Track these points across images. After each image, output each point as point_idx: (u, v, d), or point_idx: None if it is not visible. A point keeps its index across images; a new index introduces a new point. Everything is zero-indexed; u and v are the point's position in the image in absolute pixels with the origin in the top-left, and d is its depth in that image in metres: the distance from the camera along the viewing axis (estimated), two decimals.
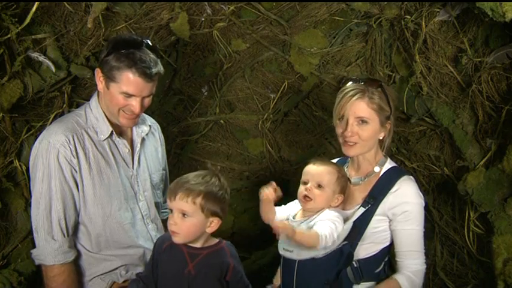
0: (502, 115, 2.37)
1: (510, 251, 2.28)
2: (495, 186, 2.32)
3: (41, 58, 2.20)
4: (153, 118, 2.32)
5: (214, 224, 1.68)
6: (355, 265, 1.85)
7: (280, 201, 2.15)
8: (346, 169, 2.03)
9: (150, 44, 1.95)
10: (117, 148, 2.04)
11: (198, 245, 1.72)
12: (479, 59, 2.41)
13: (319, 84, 3.25)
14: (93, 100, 2.03)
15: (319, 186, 1.84)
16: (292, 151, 3.53)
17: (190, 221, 1.65)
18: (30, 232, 2.28)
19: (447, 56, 2.58)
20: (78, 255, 1.99)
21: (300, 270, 1.81)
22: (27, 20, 2.08)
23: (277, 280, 1.98)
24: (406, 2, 2.61)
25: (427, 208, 2.83)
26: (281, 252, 1.88)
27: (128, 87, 1.87)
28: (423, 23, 2.52)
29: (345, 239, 1.84)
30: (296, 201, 2.02)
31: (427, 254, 2.68)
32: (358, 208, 1.89)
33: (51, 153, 1.88)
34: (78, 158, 1.92)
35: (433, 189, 2.90)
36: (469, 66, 2.49)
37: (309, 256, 1.79)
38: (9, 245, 2.28)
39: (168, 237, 1.73)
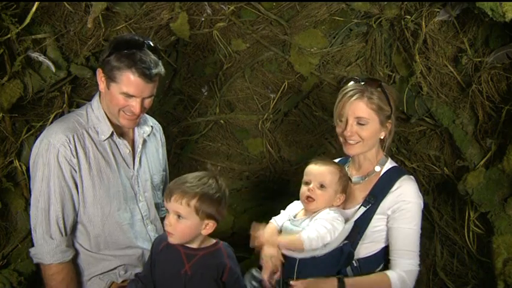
0: (502, 115, 2.37)
1: (510, 251, 2.28)
2: (495, 186, 2.32)
3: (41, 58, 2.20)
4: (153, 118, 2.32)
5: (209, 226, 1.68)
6: (355, 264, 1.86)
7: (279, 203, 2.16)
8: (347, 168, 2.04)
9: (152, 44, 1.95)
10: (118, 148, 2.04)
11: (194, 245, 1.72)
12: (479, 59, 2.41)
13: (319, 84, 3.25)
14: (95, 100, 2.03)
15: (322, 186, 1.86)
16: (292, 151, 3.53)
17: (185, 223, 1.65)
18: (30, 232, 2.27)
19: (447, 56, 2.58)
20: (77, 254, 1.99)
21: (300, 268, 1.81)
22: (27, 20, 2.08)
23: (265, 272, 1.95)
24: (406, 2, 2.61)
25: (427, 208, 2.85)
26: (282, 250, 1.88)
27: (128, 87, 1.87)
28: (423, 23, 2.52)
29: (346, 238, 1.84)
30: (295, 203, 2.03)
31: (427, 254, 2.69)
32: (359, 207, 1.89)
33: (51, 152, 1.88)
34: (78, 158, 1.92)
35: (433, 189, 2.90)
36: (469, 66, 2.49)
37: (309, 255, 1.79)
38: (9, 245, 2.28)
39: (165, 237, 1.73)
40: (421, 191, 1.94)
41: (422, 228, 1.91)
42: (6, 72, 2.10)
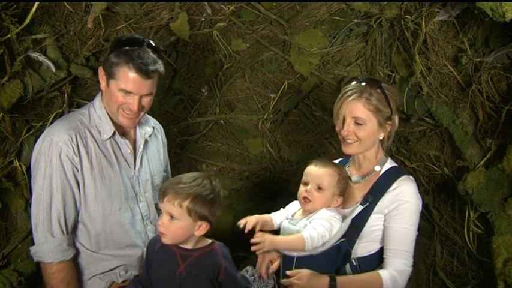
0: (502, 115, 2.37)
1: (510, 251, 2.28)
2: (495, 186, 2.32)
3: (41, 58, 2.20)
4: (148, 116, 2.32)
5: (202, 227, 1.68)
6: (354, 263, 1.86)
7: (279, 203, 2.16)
8: (347, 168, 2.05)
9: (153, 43, 1.96)
10: (119, 148, 2.04)
11: (189, 246, 1.72)
12: (479, 59, 2.41)
13: (319, 84, 3.25)
14: (97, 100, 2.03)
15: (319, 188, 1.87)
16: (292, 151, 3.53)
17: (177, 223, 1.65)
18: (30, 232, 2.27)
19: (447, 56, 2.58)
20: (77, 253, 1.99)
21: (298, 266, 1.83)
22: (27, 20, 2.08)
23: (262, 264, 1.96)
24: (406, 2, 2.61)
25: (427, 208, 2.85)
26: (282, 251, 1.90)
27: (126, 84, 1.87)
28: (423, 23, 2.52)
29: (343, 237, 1.85)
30: (294, 202, 2.04)
31: (427, 254, 2.69)
32: (357, 206, 1.90)
33: (53, 151, 1.88)
34: (80, 156, 1.92)
35: (433, 189, 2.90)
36: (469, 66, 2.49)
37: (306, 253, 1.81)
38: (9, 245, 2.28)
39: (160, 238, 1.73)
40: (420, 191, 1.94)
41: (423, 228, 1.91)
42: (6, 72, 2.10)
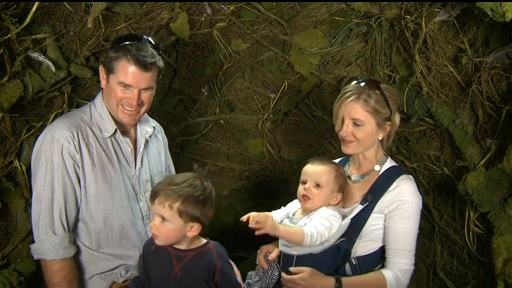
0: (502, 115, 2.37)
1: (510, 251, 2.28)
2: (495, 186, 2.32)
3: (41, 58, 2.20)
4: (153, 118, 2.33)
5: (194, 229, 1.68)
6: (354, 262, 1.87)
7: (279, 203, 2.16)
8: (347, 167, 2.06)
9: (152, 41, 1.98)
10: (120, 147, 2.04)
11: (184, 246, 1.72)
12: (479, 59, 2.41)
13: (319, 84, 3.25)
14: (98, 98, 2.04)
15: (317, 185, 1.88)
16: (292, 151, 3.53)
17: (168, 225, 1.65)
18: (30, 232, 2.27)
19: (447, 56, 2.58)
20: (78, 252, 1.98)
21: (298, 265, 1.83)
22: (27, 20, 2.08)
23: (261, 253, 1.99)
24: (406, 2, 2.61)
25: (427, 208, 2.85)
26: (280, 247, 1.91)
27: (124, 76, 1.89)
28: (423, 23, 2.52)
29: (343, 236, 1.86)
30: (295, 201, 2.04)
31: (427, 254, 2.69)
32: (357, 205, 1.90)
33: (54, 147, 1.88)
34: (81, 153, 1.92)
35: (433, 189, 2.90)
36: (469, 66, 2.49)
37: (306, 251, 1.82)
38: (9, 245, 2.28)
39: None
40: (420, 191, 1.95)
41: (423, 228, 1.92)
42: (6, 72, 2.10)
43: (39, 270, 2.01)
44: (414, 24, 2.58)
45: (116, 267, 2.01)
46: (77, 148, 1.91)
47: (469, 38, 2.47)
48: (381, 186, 1.90)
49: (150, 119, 2.25)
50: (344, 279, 1.80)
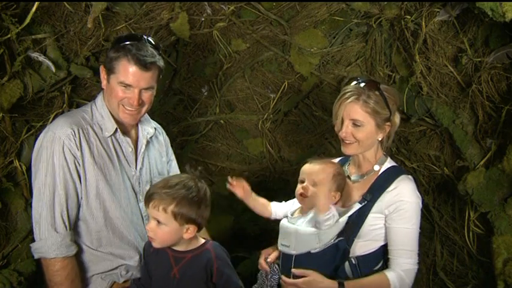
0: (502, 115, 2.37)
1: (510, 251, 2.28)
2: (495, 186, 2.32)
3: (41, 58, 2.20)
4: (153, 118, 2.33)
5: (190, 230, 1.68)
6: (353, 262, 1.87)
7: (280, 200, 2.17)
8: (347, 167, 2.06)
9: (152, 41, 1.98)
10: (121, 146, 2.04)
11: (181, 248, 1.72)
12: (479, 59, 2.41)
13: (319, 84, 3.25)
14: (99, 98, 2.04)
15: (315, 184, 1.88)
16: (292, 151, 3.53)
17: (164, 228, 1.66)
18: (30, 232, 2.27)
19: (447, 56, 2.59)
20: (79, 252, 1.97)
21: (296, 264, 1.83)
22: (27, 20, 2.08)
23: (261, 257, 2.01)
24: (406, 2, 2.61)
25: (427, 208, 2.85)
26: (279, 247, 1.92)
27: (125, 76, 1.89)
28: (423, 23, 2.52)
29: (341, 235, 1.86)
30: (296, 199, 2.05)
31: (427, 254, 2.69)
32: (356, 205, 1.91)
33: (56, 144, 1.87)
34: (82, 151, 1.91)
35: (433, 189, 2.90)
36: (469, 66, 2.49)
37: (305, 250, 1.82)
38: (9, 245, 2.28)
39: None
40: (420, 191, 1.95)
41: (423, 228, 1.92)
42: (6, 72, 2.10)
43: (39, 270, 2.00)
44: (414, 24, 2.58)
45: (116, 267, 2.00)
46: (78, 146, 1.90)
47: (469, 38, 2.47)
48: (380, 186, 1.90)
49: (152, 121, 2.25)
50: (347, 283, 1.80)
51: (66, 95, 2.36)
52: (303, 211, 1.93)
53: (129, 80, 1.89)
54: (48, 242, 1.86)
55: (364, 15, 2.91)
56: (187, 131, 3.45)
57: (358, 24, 2.98)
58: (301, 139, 3.49)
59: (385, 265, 1.92)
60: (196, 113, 3.42)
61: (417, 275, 1.89)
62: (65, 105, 2.37)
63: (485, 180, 2.35)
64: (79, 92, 2.50)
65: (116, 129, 2.01)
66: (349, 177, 2.01)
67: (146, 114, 2.11)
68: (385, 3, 2.72)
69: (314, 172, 1.89)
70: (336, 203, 1.92)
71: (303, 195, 1.89)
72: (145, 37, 1.97)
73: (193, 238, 1.73)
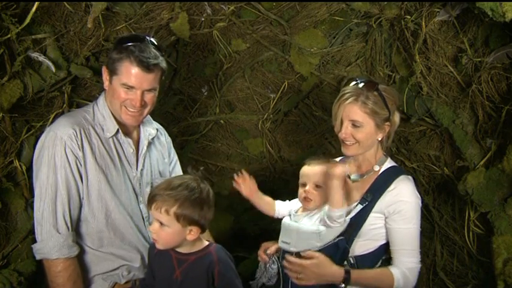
0: (502, 115, 2.37)
1: (510, 251, 2.28)
2: (495, 186, 2.32)
3: (41, 58, 2.20)
4: (153, 118, 2.32)
5: (193, 232, 1.67)
6: (352, 261, 1.88)
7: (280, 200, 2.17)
8: (347, 167, 2.06)
9: (155, 42, 1.97)
10: (122, 147, 2.03)
11: (185, 250, 1.72)
12: (479, 59, 2.41)
13: (319, 84, 3.25)
14: (101, 98, 2.03)
15: (317, 186, 1.89)
16: (292, 151, 3.53)
17: (167, 230, 1.65)
18: (30, 232, 2.27)
19: (447, 56, 2.59)
20: (81, 252, 1.95)
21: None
22: (27, 20, 2.08)
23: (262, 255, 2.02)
24: (406, 2, 2.61)
25: (427, 208, 2.85)
26: (280, 244, 1.93)
27: (127, 78, 1.88)
28: (423, 23, 2.52)
29: (342, 235, 1.86)
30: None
31: (427, 254, 2.69)
32: (356, 205, 1.91)
33: (57, 144, 1.87)
34: (83, 151, 1.91)
35: (433, 189, 2.90)
36: (469, 66, 2.49)
37: (305, 248, 1.82)
38: (9, 245, 2.28)
39: None
40: (420, 191, 1.96)
41: (423, 228, 1.92)
42: (6, 72, 2.10)
43: (39, 270, 2.00)
44: (414, 24, 2.58)
45: (117, 268, 1.99)
46: (80, 146, 1.90)
47: (469, 38, 2.47)
48: (379, 186, 1.91)
49: (154, 122, 2.24)
50: (353, 271, 1.82)
51: (66, 95, 2.36)
52: (306, 210, 1.94)
53: (132, 81, 1.88)
54: (50, 243, 1.85)
55: (364, 15, 2.91)
56: (187, 131, 3.45)
57: (358, 24, 2.98)
58: (301, 139, 3.49)
59: (384, 265, 1.93)
60: (196, 113, 3.42)
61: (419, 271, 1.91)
62: (65, 105, 2.37)
63: (485, 180, 2.35)
64: (79, 92, 2.50)
65: (118, 130, 2.00)
66: (349, 176, 2.01)
67: (148, 115, 2.11)
68: (385, 3, 2.72)
69: (314, 174, 1.90)
70: None
71: (307, 200, 1.90)
72: (148, 38, 1.96)
73: (197, 240, 1.72)
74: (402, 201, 1.85)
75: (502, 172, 2.30)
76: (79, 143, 1.89)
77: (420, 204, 1.89)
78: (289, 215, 1.99)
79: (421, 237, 1.91)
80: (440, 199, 2.89)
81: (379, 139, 1.95)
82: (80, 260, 1.96)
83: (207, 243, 1.76)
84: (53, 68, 2.22)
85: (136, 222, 2.04)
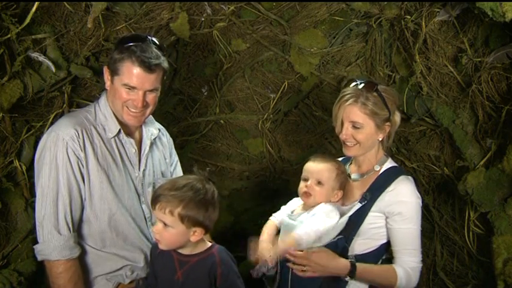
0: (502, 115, 2.37)
1: (510, 251, 2.28)
2: (495, 186, 2.32)
3: (41, 58, 2.20)
4: (153, 118, 2.32)
5: (197, 233, 1.65)
6: (352, 260, 1.87)
7: (279, 203, 2.16)
8: (349, 166, 2.08)
9: (157, 42, 1.96)
10: (124, 147, 2.02)
11: (187, 251, 1.70)
12: (479, 59, 2.41)
13: (319, 84, 3.25)
14: (102, 98, 2.02)
15: (319, 183, 1.91)
16: (292, 151, 3.53)
17: (171, 231, 1.63)
18: (30, 232, 2.28)
19: (447, 56, 2.59)
20: (83, 253, 1.95)
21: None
22: (27, 20, 2.08)
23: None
24: (406, 2, 2.61)
25: (427, 208, 2.85)
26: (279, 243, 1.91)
27: (129, 78, 1.87)
28: (423, 23, 2.52)
29: (341, 233, 1.87)
30: (295, 199, 2.07)
31: (427, 254, 2.69)
32: (355, 204, 1.92)
33: (59, 145, 1.86)
34: (85, 152, 1.90)
35: (433, 189, 2.90)
36: (469, 66, 2.49)
37: (304, 248, 1.81)
38: (9, 245, 2.28)
39: None
40: (420, 191, 1.96)
41: (423, 228, 1.93)
42: (6, 72, 2.09)
43: (39, 270, 2.00)
44: (414, 24, 2.58)
45: (121, 268, 1.99)
46: (82, 147, 1.89)
47: (469, 38, 2.47)
48: (379, 185, 1.91)
49: (156, 122, 2.24)
50: (358, 265, 1.82)
51: (66, 95, 2.36)
52: (305, 208, 1.94)
53: (134, 82, 1.87)
54: (51, 244, 1.85)
55: (364, 15, 2.91)
56: (187, 131, 3.45)
57: (358, 24, 2.98)
58: (301, 139, 3.50)
59: (385, 263, 1.94)
60: (196, 113, 3.42)
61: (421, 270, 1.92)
62: (65, 105, 2.36)
63: (485, 180, 2.35)
64: (79, 92, 2.50)
65: (119, 130, 1.99)
66: (349, 176, 2.03)
67: (150, 115, 2.10)
68: (385, 3, 2.72)
69: (318, 171, 1.92)
70: (337, 201, 1.94)
71: (307, 194, 1.91)
72: (150, 38, 1.94)
73: (200, 241, 1.71)
74: (402, 201, 1.86)
75: (502, 172, 2.30)
76: (81, 143, 1.89)
77: (420, 204, 1.90)
78: (287, 214, 1.99)
79: (421, 238, 1.91)
80: (440, 199, 2.89)
81: (380, 139, 1.95)
82: (83, 261, 1.96)
83: (209, 244, 1.75)
84: (53, 68, 2.22)
85: (138, 223, 2.03)
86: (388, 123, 1.93)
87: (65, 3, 2.24)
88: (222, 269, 1.68)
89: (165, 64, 1.95)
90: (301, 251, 1.79)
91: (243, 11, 3.01)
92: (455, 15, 2.42)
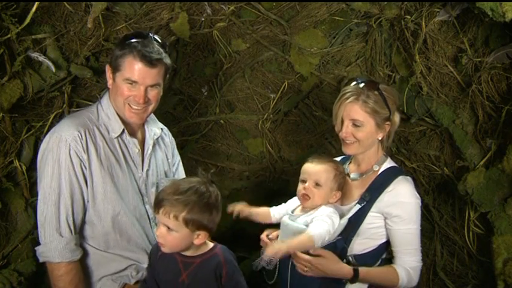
0: (502, 115, 2.37)
1: (510, 251, 2.28)
2: (495, 186, 2.32)
3: (41, 58, 2.20)
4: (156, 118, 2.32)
5: (201, 236, 1.65)
6: (352, 260, 1.89)
7: (279, 203, 2.17)
8: (348, 166, 2.08)
9: (159, 39, 1.96)
10: (127, 148, 2.01)
11: (190, 253, 1.70)
12: (479, 59, 2.41)
13: (319, 84, 3.24)
14: (105, 98, 2.01)
15: (317, 184, 1.89)
16: (292, 151, 3.53)
17: (174, 235, 1.62)
18: (30, 232, 2.28)
19: (447, 56, 2.59)
20: (86, 254, 1.95)
21: (295, 264, 1.84)
22: (27, 20, 2.08)
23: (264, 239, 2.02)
24: (406, 2, 2.61)
25: (427, 208, 2.85)
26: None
27: (130, 73, 1.86)
28: (423, 23, 2.52)
29: (340, 234, 1.87)
30: (295, 198, 2.06)
31: (427, 254, 2.69)
32: (355, 205, 1.92)
33: (62, 147, 1.85)
34: (88, 154, 1.89)
35: (433, 189, 2.90)
36: (469, 66, 2.49)
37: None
38: (9, 245, 2.28)
39: None
40: (420, 191, 1.96)
41: (423, 228, 1.93)
42: (6, 72, 2.10)
43: (39, 270, 2.00)
44: (414, 24, 2.58)
45: (126, 268, 1.98)
46: (85, 148, 1.87)
47: (469, 38, 2.47)
48: (378, 185, 1.91)
49: (158, 122, 2.23)
50: (361, 269, 1.83)
51: (66, 95, 2.36)
52: (304, 209, 1.94)
53: (135, 76, 1.87)
54: (53, 246, 1.84)
55: (364, 15, 2.91)
56: (187, 131, 3.45)
57: (358, 24, 2.98)
58: (301, 139, 3.49)
59: (384, 264, 1.95)
60: (196, 113, 3.42)
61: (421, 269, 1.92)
62: (65, 105, 2.37)
63: (485, 180, 2.35)
64: (79, 92, 2.50)
65: (123, 130, 1.98)
66: (348, 175, 2.02)
67: (153, 115, 2.09)
68: (385, 3, 2.72)
69: (316, 172, 1.90)
70: (335, 202, 1.93)
71: (305, 197, 1.90)
72: (152, 35, 1.95)
73: (203, 242, 1.70)
74: (401, 202, 1.86)
75: (502, 172, 2.30)
76: (84, 145, 1.87)
77: (420, 204, 1.90)
78: (287, 214, 1.98)
79: (421, 238, 1.92)
80: (440, 199, 2.89)
81: (380, 138, 1.95)
82: (87, 262, 1.95)
83: (211, 244, 1.74)
84: (53, 68, 2.22)
85: (142, 224, 2.03)
86: (388, 123, 1.93)
87: (65, 3, 2.24)
88: (228, 269, 1.68)
89: (167, 60, 1.94)
90: (307, 252, 1.79)
91: (243, 11, 3.01)
92: (455, 15, 2.42)
